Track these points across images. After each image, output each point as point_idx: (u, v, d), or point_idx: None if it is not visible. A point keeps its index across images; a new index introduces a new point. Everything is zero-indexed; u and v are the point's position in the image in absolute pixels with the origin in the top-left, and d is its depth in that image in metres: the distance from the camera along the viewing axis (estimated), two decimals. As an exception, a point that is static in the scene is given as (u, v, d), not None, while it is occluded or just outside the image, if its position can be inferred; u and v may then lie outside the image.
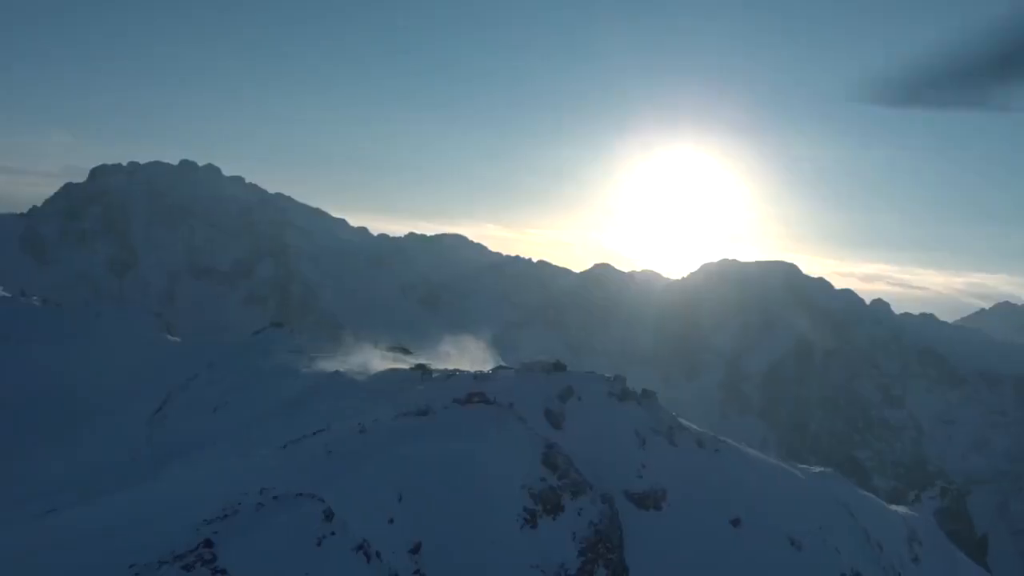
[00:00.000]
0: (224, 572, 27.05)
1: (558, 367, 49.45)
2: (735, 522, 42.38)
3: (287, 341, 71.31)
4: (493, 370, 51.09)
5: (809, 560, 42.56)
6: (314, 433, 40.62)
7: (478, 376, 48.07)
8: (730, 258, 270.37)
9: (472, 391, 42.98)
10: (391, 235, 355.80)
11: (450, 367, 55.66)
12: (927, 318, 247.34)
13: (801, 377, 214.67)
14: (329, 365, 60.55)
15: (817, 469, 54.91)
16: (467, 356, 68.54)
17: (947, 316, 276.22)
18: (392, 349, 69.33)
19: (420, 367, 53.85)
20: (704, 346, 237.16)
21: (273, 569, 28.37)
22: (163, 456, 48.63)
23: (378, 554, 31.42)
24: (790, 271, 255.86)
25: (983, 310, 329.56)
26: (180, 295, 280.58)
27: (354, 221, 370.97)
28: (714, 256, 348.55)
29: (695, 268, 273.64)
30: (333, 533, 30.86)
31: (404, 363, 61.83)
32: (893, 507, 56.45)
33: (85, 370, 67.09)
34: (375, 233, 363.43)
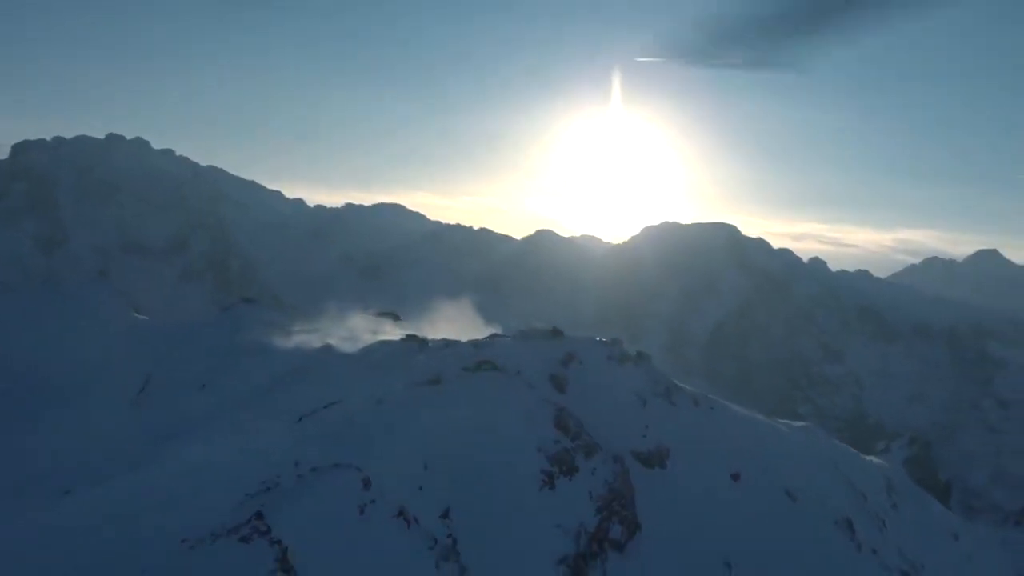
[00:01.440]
0: (280, 542, 27.58)
1: (555, 333, 50.52)
2: (735, 476, 44.04)
3: (261, 316, 70.92)
4: (489, 338, 51.86)
5: (805, 510, 44.50)
6: (326, 406, 40.97)
7: (478, 344, 48.81)
8: (671, 221, 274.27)
9: (480, 359, 43.82)
10: (328, 206, 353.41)
11: (438, 336, 56.11)
12: (863, 275, 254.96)
13: (743, 337, 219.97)
14: (313, 339, 60.59)
15: (798, 424, 57.06)
16: (455, 323, 69.03)
17: (879, 273, 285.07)
18: (381, 315, 69.64)
19: (412, 337, 54.29)
20: (647, 309, 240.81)
21: (321, 538, 29.00)
22: (162, 435, 48.51)
23: (416, 520, 32.23)
24: (730, 232, 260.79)
25: (913, 266, 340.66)
26: (112, 272, 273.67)
27: (289, 192, 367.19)
28: (655, 219, 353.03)
29: (636, 232, 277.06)
30: (373, 501, 31.57)
31: (394, 331, 62.27)
32: (868, 458, 58.96)
33: (53, 352, 65.90)
34: (311, 204, 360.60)
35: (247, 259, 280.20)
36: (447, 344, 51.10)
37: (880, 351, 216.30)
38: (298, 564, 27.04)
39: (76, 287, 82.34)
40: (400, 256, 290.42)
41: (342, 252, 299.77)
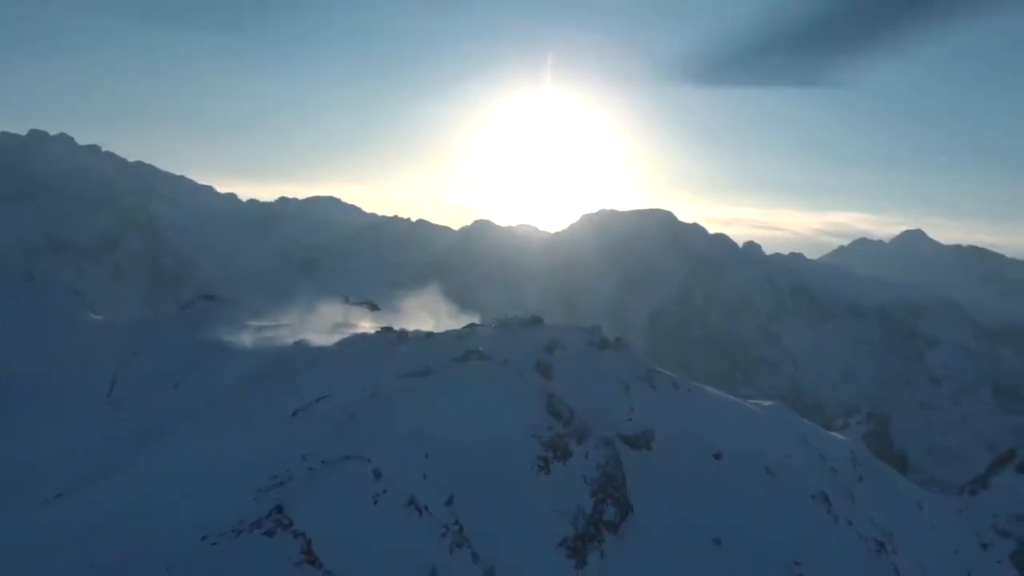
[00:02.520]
0: (304, 535, 27.85)
1: (535, 321, 51.23)
2: (717, 456, 45.26)
3: (223, 313, 70.28)
4: (469, 327, 52.25)
5: (783, 485, 45.92)
6: (317, 400, 41.11)
7: (460, 335, 49.21)
8: (608, 208, 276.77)
9: (467, 349, 44.30)
10: (262, 200, 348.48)
11: (410, 327, 56.31)
12: (796, 257, 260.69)
13: (682, 321, 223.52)
14: (283, 334, 60.40)
15: (767, 403, 58.61)
16: (430, 314, 69.18)
17: (810, 255, 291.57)
18: (357, 304, 69.58)
19: (388, 329, 54.40)
20: (587, 296, 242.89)
21: (339, 528, 29.35)
22: (144, 435, 48.08)
23: (426, 508, 32.71)
24: (667, 218, 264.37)
25: (843, 247, 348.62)
26: (40, 273, 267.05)
27: (220, 188, 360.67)
28: (592, 207, 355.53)
29: (575, 220, 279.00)
30: (385, 491, 32.01)
31: (367, 323, 62.31)
32: (832, 433, 60.89)
33: (14, 355, 64.56)
34: (244, 199, 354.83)
35: (182, 256, 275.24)
36: (428, 335, 51.39)
37: (815, 331, 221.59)
38: (321, 555, 27.39)
39: (26, 289, 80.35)
40: (339, 249, 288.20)
41: (279, 246, 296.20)
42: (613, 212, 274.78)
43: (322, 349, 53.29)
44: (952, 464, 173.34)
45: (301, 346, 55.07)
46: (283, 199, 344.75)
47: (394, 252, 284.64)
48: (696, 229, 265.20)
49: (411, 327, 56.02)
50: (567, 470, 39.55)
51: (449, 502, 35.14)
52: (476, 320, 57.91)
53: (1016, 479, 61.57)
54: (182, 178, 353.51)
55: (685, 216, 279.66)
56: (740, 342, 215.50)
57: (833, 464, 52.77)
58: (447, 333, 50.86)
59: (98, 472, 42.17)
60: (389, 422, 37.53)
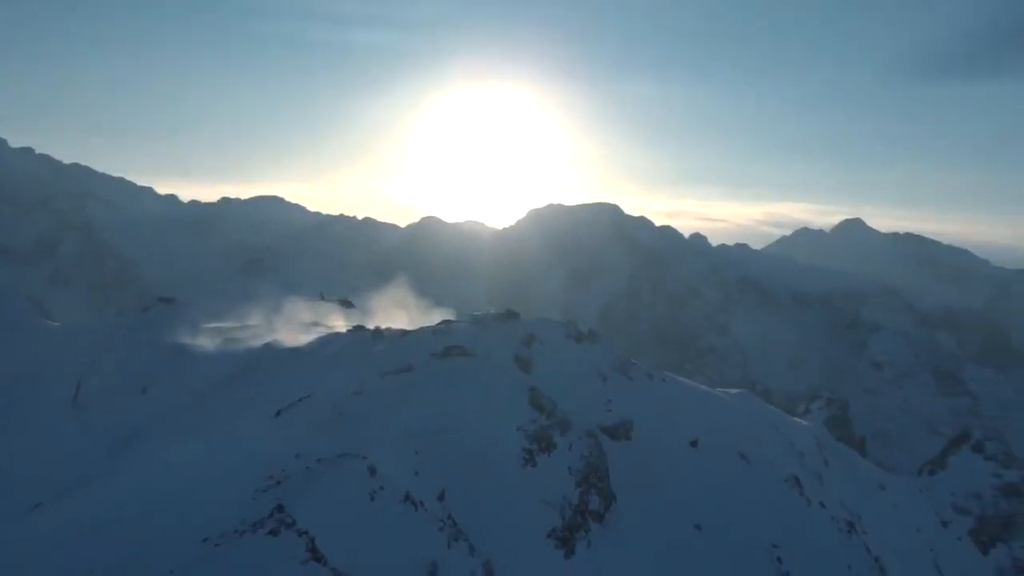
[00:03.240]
0: (307, 532, 28.02)
1: (511, 315, 51.59)
2: (694, 443, 46.13)
3: (184, 316, 69.38)
4: (443, 323, 52.36)
5: (757, 470, 46.96)
6: (300, 400, 41.04)
7: (438, 331, 49.36)
8: (555, 203, 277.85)
9: (447, 345, 44.55)
10: (203, 201, 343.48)
11: (381, 325, 56.24)
12: (741, 248, 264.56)
13: (631, 314, 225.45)
14: (250, 334, 59.89)
15: (735, 391, 59.77)
16: (402, 311, 69.12)
17: (752, 245, 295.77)
18: (331, 301, 69.28)
19: (361, 328, 54.29)
20: (536, 291, 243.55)
21: (339, 525, 29.54)
22: (118, 440, 47.43)
23: (421, 503, 33.00)
24: (613, 212, 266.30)
25: (784, 237, 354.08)
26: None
27: (160, 188, 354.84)
28: (539, 202, 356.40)
29: (522, 215, 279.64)
30: (381, 488, 32.25)
31: (341, 320, 62.17)
32: (795, 419, 62.26)
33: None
34: (185, 200, 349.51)
35: (123, 259, 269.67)
36: (404, 333, 51.44)
37: (762, 320, 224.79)
38: (325, 552, 27.56)
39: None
40: (284, 249, 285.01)
41: (222, 247, 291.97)
42: (560, 207, 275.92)
43: (295, 350, 52.98)
44: (895, 448, 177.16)
45: (273, 347, 54.70)
46: (225, 200, 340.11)
47: (341, 251, 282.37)
48: (643, 222, 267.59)
49: (382, 324, 56.00)
50: (552, 462, 40.03)
51: (441, 497, 35.43)
52: (449, 316, 58.08)
53: (971, 458, 63.59)
54: (121, 180, 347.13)
55: (630, 209, 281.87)
56: (689, 333, 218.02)
57: (801, 449, 54.07)
58: (423, 330, 50.98)
59: (74, 480, 41.53)
60: (377, 419, 37.69)
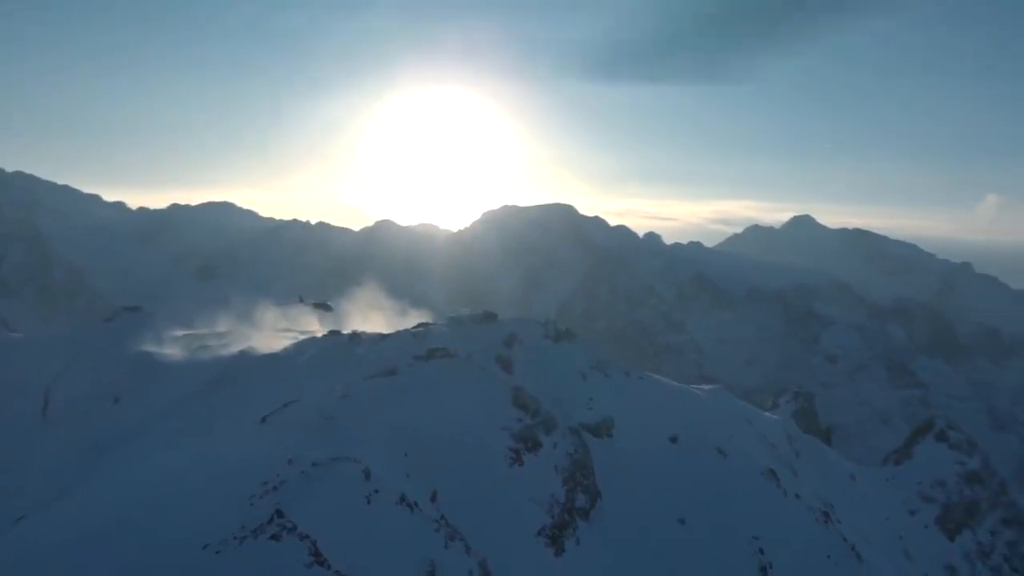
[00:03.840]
0: (308, 537, 28.12)
1: (488, 316, 51.91)
2: (673, 439, 46.86)
3: (151, 324, 68.60)
4: (420, 327, 52.47)
5: (735, 464, 47.80)
6: (285, 405, 40.95)
7: (417, 334, 49.48)
8: (510, 204, 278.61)
9: (429, 347, 44.75)
10: (152, 208, 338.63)
11: (355, 328, 56.21)
12: (695, 246, 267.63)
13: (588, 313, 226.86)
14: (223, 341, 59.44)
15: (707, 387, 60.62)
16: (377, 314, 69.03)
17: (703, 243, 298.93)
18: (309, 304, 68.98)
19: (335, 332, 54.25)
20: (493, 293, 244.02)
21: (338, 529, 29.66)
22: (93, 451, 46.81)
23: (416, 504, 33.22)
24: (568, 212, 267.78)
25: (736, 235, 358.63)
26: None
27: (107, 196, 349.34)
28: (493, 204, 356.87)
29: (477, 217, 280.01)
30: (377, 491, 32.42)
31: (315, 325, 61.98)
32: (765, 413, 63.30)
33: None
34: (133, 207, 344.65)
35: (71, 268, 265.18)
36: (383, 336, 51.46)
37: (717, 317, 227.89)
38: (327, 556, 27.69)
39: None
40: (237, 254, 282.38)
41: (174, 254, 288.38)
42: (515, 208, 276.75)
43: (271, 356, 52.64)
44: (852, 440, 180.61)
45: (248, 353, 54.30)
46: (175, 206, 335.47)
47: (295, 256, 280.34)
48: (597, 222, 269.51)
49: (356, 328, 55.99)
50: (539, 461, 40.46)
51: (433, 498, 35.68)
52: (425, 319, 58.20)
53: (936, 447, 65.17)
54: (66, 187, 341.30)
55: (583, 210, 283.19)
56: (645, 331, 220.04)
57: (773, 442, 55.08)
58: (403, 333, 51.05)
59: (53, 492, 41.00)
60: (364, 422, 37.75)
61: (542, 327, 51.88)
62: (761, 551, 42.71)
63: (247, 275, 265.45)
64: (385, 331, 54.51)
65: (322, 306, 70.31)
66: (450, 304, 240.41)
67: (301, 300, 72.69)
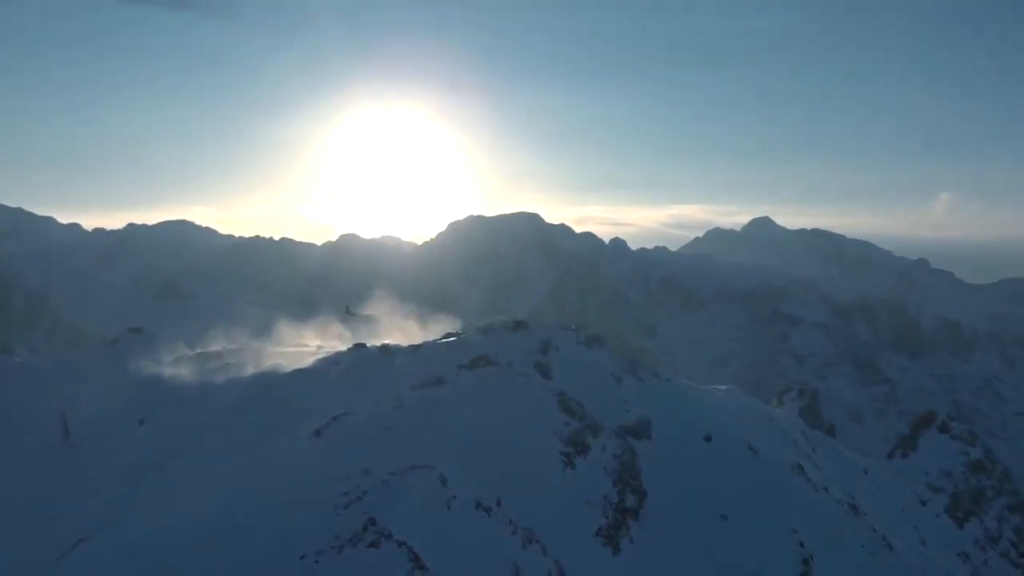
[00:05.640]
0: (404, 543, 28.73)
1: (520, 325, 52.76)
2: (707, 438, 47.96)
3: (156, 344, 68.43)
4: (449, 336, 53.11)
5: (766, 460, 49.04)
6: (335, 418, 41.37)
7: (452, 345, 50.12)
8: (475, 215, 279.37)
9: (474, 356, 45.46)
10: (108, 228, 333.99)
11: (376, 341, 56.68)
12: (661, 251, 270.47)
13: (559, 321, 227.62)
14: (242, 359, 59.40)
15: (723, 387, 61.93)
16: (397, 326, 69.41)
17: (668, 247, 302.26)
18: (357, 315, 69.22)
19: (360, 345, 54.58)
20: (461, 304, 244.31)
21: (427, 535, 30.25)
22: (137, 471, 46.64)
23: (490, 509, 33.91)
24: (533, 221, 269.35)
25: (697, 238, 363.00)
26: None
27: (61, 218, 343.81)
28: (458, 214, 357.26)
29: (443, 228, 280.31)
30: (454, 496, 33.14)
31: (336, 339, 62.23)
32: (777, 410, 64.75)
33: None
34: (89, 229, 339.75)
35: (32, 292, 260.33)
36: (416, 347, 51.98)
37: (686, 320, 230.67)
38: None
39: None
40: (199, 273, 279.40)
41: (133, 275, 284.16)
42: (480, 218, 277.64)
43: (301, 371, 52.81)
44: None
45: (277, 370, 54.36)
46: (132, 226, 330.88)
47: (260, 272, 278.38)
48: (563, 229, 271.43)
49: (379, 341, 56.48)
50: (589, 463, 41.32)
51: (498, 503, 36.34)
52: (451, 328, 58.86)
53: (939, 438, 67.02)
54: (19, 210, 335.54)
55: (551, 217, 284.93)
56: (617, 336, 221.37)
57: (794, 438, 56.47)
58: (437, 343, 51.71)
59: (110, 513, 41.05)
60: (424, 431, 38.41)
61: (573, 333, 52.85)
62: (801, 544, 43.83)
63: (211, 293, 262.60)
64: (403, 343, 55.09)
65: (363, 317, 70.50)
66: (421, 317, 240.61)
67: (348, 311, 72.92)
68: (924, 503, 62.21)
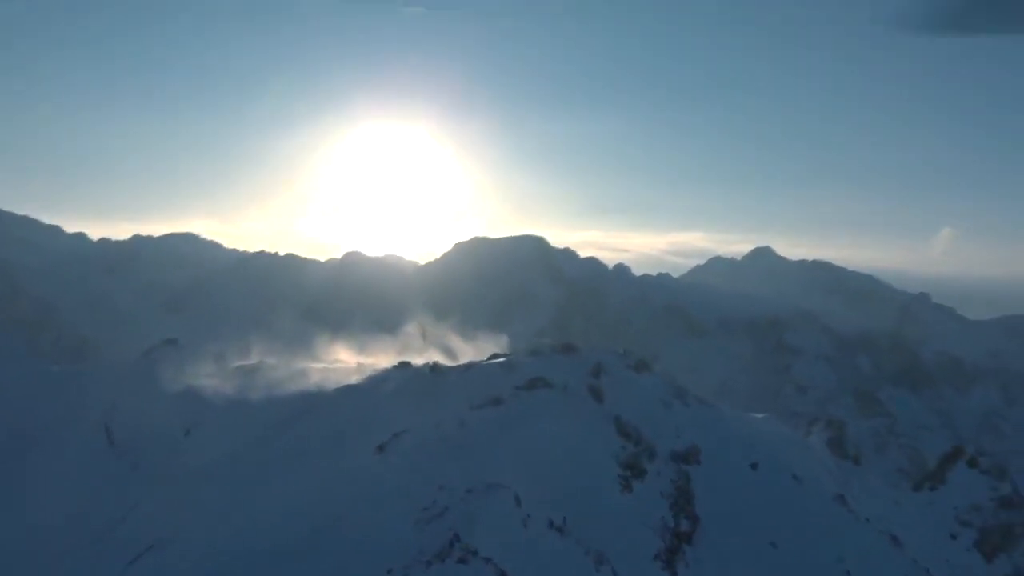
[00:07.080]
0: (491, 560, 29.19)
1: (568, 348, 53.26)
2: (754, 466, 48.44)
3: (191, 355, 68.83)
4: (495, 358, 53.54)
5: (810, 490, 49.51)
6: (395, 435, 41.81)
7: (504, 365, 50.55)
8: (480, 236, 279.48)
9: (532, 377, 45.94)
10: (114, 239, 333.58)
11: (419, 359, 57.08)
12: (664, 277, 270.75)
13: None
14: (280, 374, 59.77)
15: (760, 415, 62.48)
16: (438, 346, 69.85)
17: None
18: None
19: (405, 364, 55.03)
20: (467, 324, 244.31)
21: (508, 552, 30.69)
22: (197, 481, 46.85)
23: (562, 529, 34.37)
24: (538, 244, 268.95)
25: (699, 266, 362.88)
26: None
27: (68, 227, 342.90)
28: (464, 235, 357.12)
29: (448, 248, 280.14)
30: (529, 515, 33.60)
31: (380, 356, 62.66)
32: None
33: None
34: (94, 238, 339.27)
35: (39, 301, 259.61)
36: (466, 368, 52.42)
37: (690, 348, 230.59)
38: (509, 578, 28.77)
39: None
40: (205, 286, 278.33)
41: (139, 286, 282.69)
42: (486, 239, 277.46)
43: (351, 388, 53.10)
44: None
45: (323, 385, 54.79)
46: (138, 237, 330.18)
47: (264, 287, 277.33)
48: (568, 253, 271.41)
49: (423, 359, 56.92)
50: (646, 487, 41.78)
51: (564, 523, 36.79)
52: (499, 349, 59.35)
53: (968, 473, 67.57)
54: (26, 218, 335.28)
55: (553, 241, 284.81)
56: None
57: (829, 467, 56.99)
58: (489, 364, 52.11)
59: (173, 521, 41.37)
60: (490, 449, 38.89)
61: (622, 358, 53.36)
62: (848, 573, 44.29)
63: (216, 307, 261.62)
64: (451, 363, 55.58)
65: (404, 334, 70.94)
66: (427, 336, 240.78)
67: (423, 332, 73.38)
68: (954, 537, 62.62)
